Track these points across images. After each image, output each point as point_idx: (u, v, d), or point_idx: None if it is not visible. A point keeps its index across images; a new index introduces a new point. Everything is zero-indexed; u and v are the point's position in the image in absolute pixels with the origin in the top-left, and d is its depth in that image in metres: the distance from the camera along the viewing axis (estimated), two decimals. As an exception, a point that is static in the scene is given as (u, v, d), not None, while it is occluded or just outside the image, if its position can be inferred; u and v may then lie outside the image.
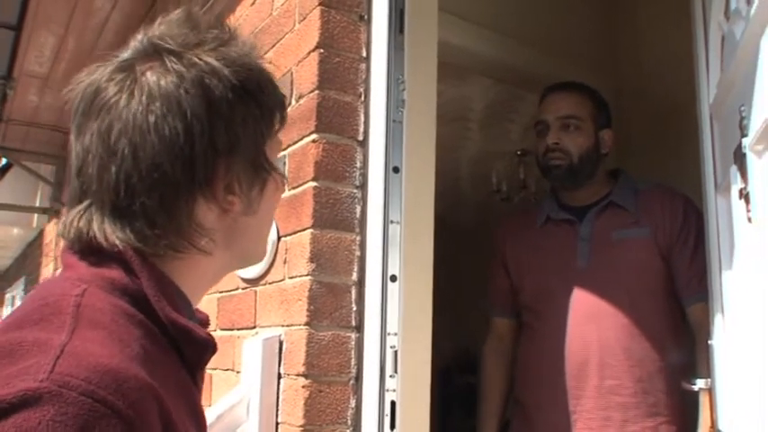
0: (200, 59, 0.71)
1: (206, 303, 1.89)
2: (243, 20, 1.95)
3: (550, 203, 1.92)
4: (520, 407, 1.89)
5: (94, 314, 0.61)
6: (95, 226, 0.68)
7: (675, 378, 1.70)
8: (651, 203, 1.79)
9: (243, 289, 1.72)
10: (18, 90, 3.72)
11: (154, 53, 0.71)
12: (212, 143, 0.69)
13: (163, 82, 0.68)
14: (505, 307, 1.99)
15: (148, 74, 0.69)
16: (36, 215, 5.50)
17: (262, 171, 0.75)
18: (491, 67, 2.56)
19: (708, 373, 1.47)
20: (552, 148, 1.84)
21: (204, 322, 0.80)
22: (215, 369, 1.79)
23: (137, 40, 0.74)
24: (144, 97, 0.68)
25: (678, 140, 2.34)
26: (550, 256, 1.85)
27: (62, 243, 0.72)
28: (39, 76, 3.62)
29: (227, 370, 1.73)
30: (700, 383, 1.50)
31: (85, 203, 0.69)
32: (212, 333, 1.89)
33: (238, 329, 1.71)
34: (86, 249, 0.68)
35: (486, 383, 1.97)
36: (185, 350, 0.68)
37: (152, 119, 0.67)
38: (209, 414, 1.48)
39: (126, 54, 0.73)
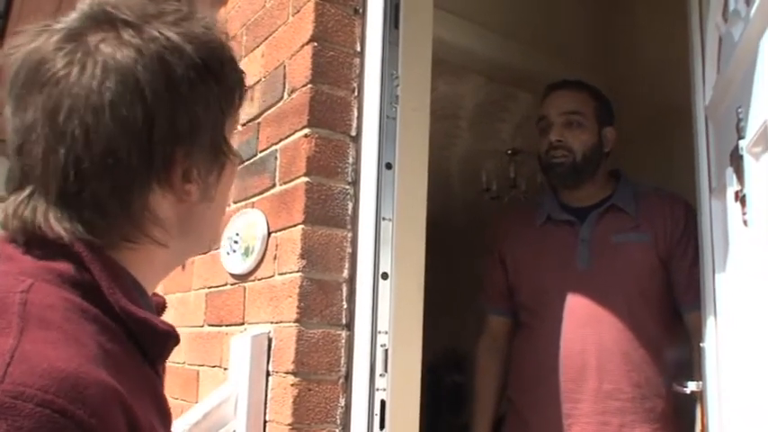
0: (161, 33, 0.64)
1: (194, 298, 1.87)
2: (235, 11, 1.92)
3: (551, 203, 1.90)
4: (513, 407, 1.88)
5: (44, 312, 0.56)
6: (40, 215, 0.61)
7: (672, 383, 1.70)
8: (652, 208, 1.78)
9: (232, 285, 1.70)
10: (4, 80, 3.67)
11: (106, 22, 0.64)
12: (173, 127, 0.64)
13: (119, 56, 0.62)
14: (501, 305, 1.97)
15: (102, 46, 0.62)
16: (21, 207, 5.44)
17: (221, 155, 0.70)
18: (484, 65, 2.55)
19: (701, 377, 1.47)
20: (555, 146, 1.82)
21: (161, 306, 0.76)
22: (202, 365, 1.76)
23: (86, 5, 0.66)
24: (98, 71, 0.61)
25: (671, 142, 2.34)
26: (549, 256, 1.84)
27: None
28: (25, 66, 3.57)
29: (215, 366, 1.71)
30: (691, 386, 1.50)
31: (28, 190, 0.63)
32: (200, 329, 1.86)
33: (226, 326, 1.69)
34: (30, 241, 0.62)
35: (480, 382, 1.96)
36: (146, 343, 0.64)
37: (108, 97, 0.61)
38: (196, 411, 1.46)
39: (73, 21, 0.65)
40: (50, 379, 0.50)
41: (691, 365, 1.67)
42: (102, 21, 0.65)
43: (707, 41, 1.42)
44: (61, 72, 0.62)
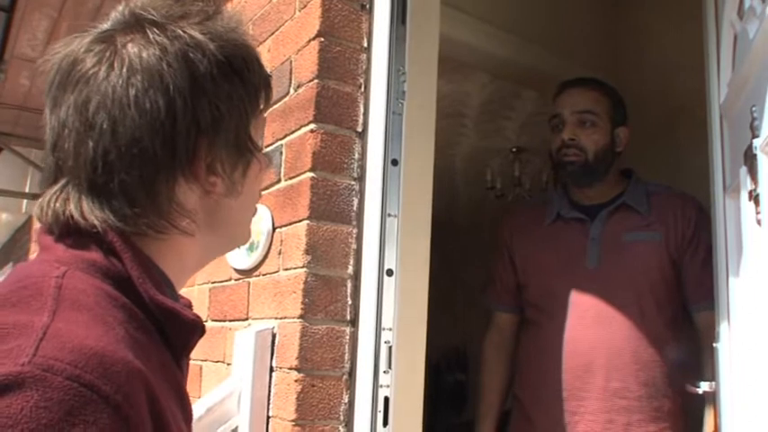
0: (185, 32, 0.68)
1: (197, 294, 1.86)
2: (241, 6, 1.91)
3: (561, 201, 1.89)
4: (520, 403, 1.87)
5: (77, 296, 0.59)
6: (72, 205, 0.65)
7: (679, 383, 1.70)
8: (664, 207, 1.77)
9: (236, 280, 1.69)
10: (9, 73, 3.67)
11: (135, 24, 0.68)
12: (195, 120, 0.66)
13: (145, 54, 0.66)
14: (508, 301, 1.97)
15: (129, 46, 0.66)
16: (25, 201, 5.44)
17: (246, 151, 0.72)
18: (489, 62, 2.54)
19: (713, 377, 1.46)
20: (568, 144, 1.81)
21: (187, 307, 0.77)
22: (205, 360, 1.76)
23: (117, 11, 0.71)
24: (124, 70, 0.65)
25: (678, 141, 2.33)
26: (559, 254, 1.83)
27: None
28: (31, 60, 3.56)
29: (218, 362, 1.70)
30: (704, 386, 1.48)
31: (62, 183, 0.66)
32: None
33: (230, 321, 1.69)
34: (64, 231, 0.65)
35: (487, 378, 1.95)
36: (172, 333, 0.66)
37: (132, 92, 0.64)
38: (199, 406, 1.45)
39: (106, 25, 0.70)
40: (80, 355, 0.52)
41: (698, 365, 1.66)
42: (131, 23, 0.69)
43: (722, 39, 1.40)
44: (91, 71, 0.66)
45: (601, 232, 1.79)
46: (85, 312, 0.57)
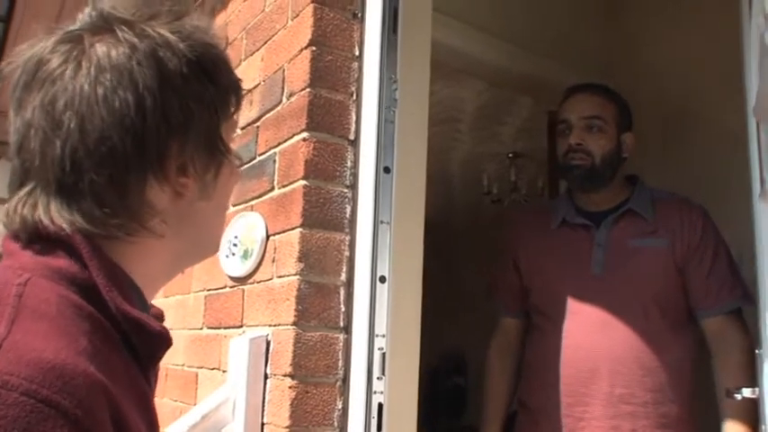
0: (154, 31, 0.67)
1: (193, 301, 1.87)
2: (235, 15, 1.93)
3: (567, 206, 1.89)
4: (525, 409, 1.87)
5: (38, 305, 0.57)
6: (41, 209, 0.63)
7: (684, 389, 1.70)
8: (669, 214, 1.78)
9: (230, 287, 1.70)
10: (6, 82, 3.68)
11: (104, 24, 0.68)
12: (165, 118, 0.65)
13: (113, 53, 0.65)
14: (514, 307, 1.97)
15: (98, 45, 0.65)
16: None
17: (217, 153, 0.72)
18: (484, 69, 2.56)
19: (735, 383, 1.48)
20: (575, 149, 1.81)
21: (159, 317, 0.76)
22: (201, 368, 1.77)
23: (85, 14, 0.70)
24: (92, 68, 0.64)
25: (671, 146, 2.34)
26: (564, 260, 1.83)
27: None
28: (28, 69, 3.58)
29: (213, 369, 1.71)
30: (746, 393, 1.45)
31: (29, 186, 0.65)
32: (199, 331, 1.85)
33: (225, 328, 1.70)
34: (32, 237, 0.63)
35: (492, 384, 1.96)
36: (138, 345, 0.64)
37: (101, 90, 0.63)
38: (194, 413, 1.46)
39: (73, 26, 0.69)
40: (37, 369, 0.50)
41: (714, 372, 1.67)
42: (99, 23, 0.68)
43: (752, 43, 1.39)
44: (58, 70, 0.65)
45: (606, 238, 1.79)
46: (46, 322, 0.55)
